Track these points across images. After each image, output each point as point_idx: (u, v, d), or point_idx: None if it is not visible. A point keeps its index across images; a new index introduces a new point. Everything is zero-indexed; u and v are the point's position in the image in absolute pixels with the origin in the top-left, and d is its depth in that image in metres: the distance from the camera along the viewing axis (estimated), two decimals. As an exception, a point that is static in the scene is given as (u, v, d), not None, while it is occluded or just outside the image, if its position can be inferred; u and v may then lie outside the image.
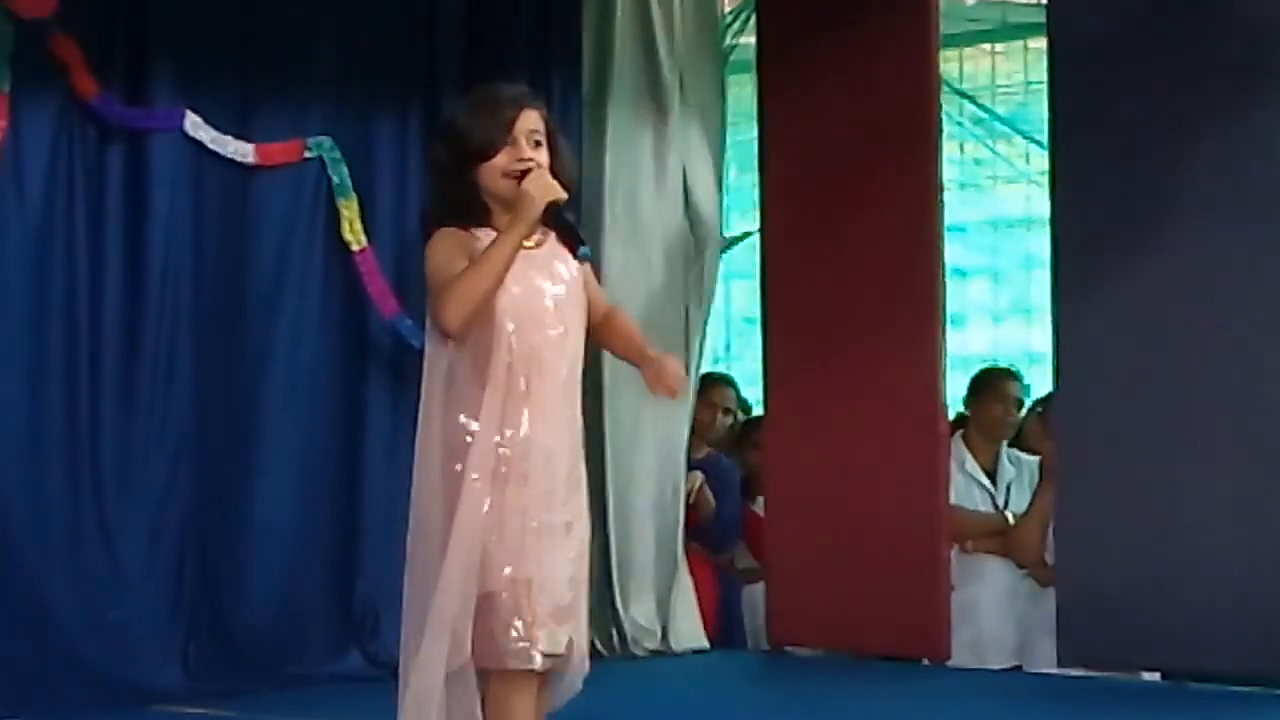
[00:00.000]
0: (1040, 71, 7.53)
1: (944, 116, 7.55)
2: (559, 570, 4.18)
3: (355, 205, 6.95)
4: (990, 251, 11.60)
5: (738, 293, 10.75)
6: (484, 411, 4.15)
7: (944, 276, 7.25)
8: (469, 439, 4.15)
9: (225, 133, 6.68)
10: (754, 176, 7.93)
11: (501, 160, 4.23)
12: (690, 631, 7.54)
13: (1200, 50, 6.59)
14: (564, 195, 4.25)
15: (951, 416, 7.59)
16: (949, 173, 7.84)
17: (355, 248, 6.95)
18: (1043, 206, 7.22)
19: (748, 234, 8.42)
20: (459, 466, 4.14)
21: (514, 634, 4.11)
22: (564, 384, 4.26)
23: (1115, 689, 6.86)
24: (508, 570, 4.11)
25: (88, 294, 6.44)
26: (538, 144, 4.28)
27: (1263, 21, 6.50)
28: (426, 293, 4.29)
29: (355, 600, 6.94)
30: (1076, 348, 6.87)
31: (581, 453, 4.34)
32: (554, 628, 4.14)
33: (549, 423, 4.22)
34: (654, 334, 7.44)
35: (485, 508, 4.11)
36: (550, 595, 4.14)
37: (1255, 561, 6.41)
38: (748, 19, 8.26)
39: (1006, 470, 7.68)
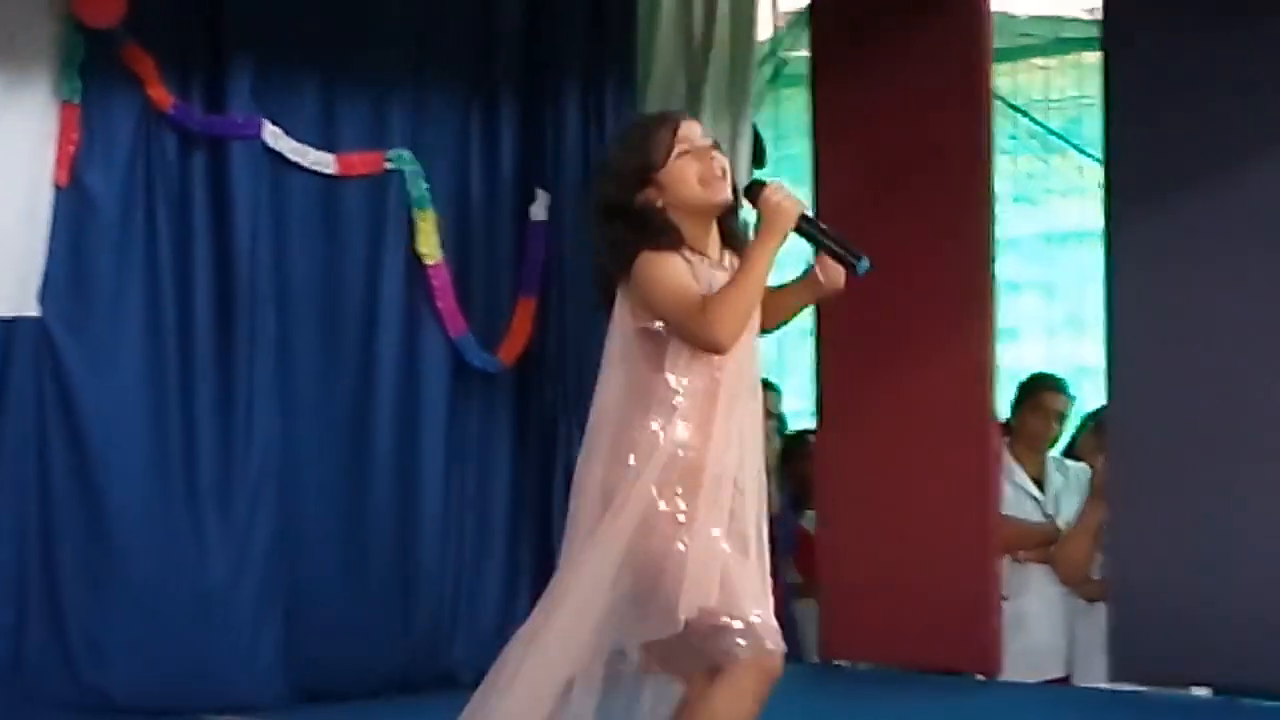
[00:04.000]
0: (1093, 86, 7.53)
1: (996, 130, 7.55)
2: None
3: (432, 219, 6.97)
4: (1043, 265, 11.56)
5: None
6: (690, 425, 4.13)
7: (996, 290, 7.25)
8: (675, 452, 4.12)
9: (303, 142, 6.72)
10: (807, 190, 7.94)
11: (693, 167, 4.19)
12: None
13: (1257, 63, 6.57)
14: (805, 206, 4.20)
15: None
16: (1001, 187, 7.83)
17: (430, 262, 6.98)
18: (1096, 220, 7.21)
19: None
20: (650, 477, 4.10)
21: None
22: (752, 390, 4.25)
23: (1167, 704, 6.83)
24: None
25: (174, 306, 6.47)
26: (715, 146, 4.25)
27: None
28: (639, 312, 4.21)
29: (411, 612, 6.98)
30: (1130, 362, 6.85)
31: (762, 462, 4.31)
32: None
33: (742, 433, 4.20)
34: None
35: (680, 519, 4.09)
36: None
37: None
38: (800, 33, 8.27)
39: (1054, 479, 7.67)
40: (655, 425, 4.13)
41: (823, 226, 4.26)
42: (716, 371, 4.17)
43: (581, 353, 7.19)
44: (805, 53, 8.01)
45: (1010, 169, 10.55)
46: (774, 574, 7.93)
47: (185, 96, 6.48)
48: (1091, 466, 7.51)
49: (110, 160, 6.38)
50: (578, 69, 7.29)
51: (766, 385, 8.47)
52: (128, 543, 6.33)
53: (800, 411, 9.04)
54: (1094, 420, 7.79)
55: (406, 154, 6.94)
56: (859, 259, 4.26)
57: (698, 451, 4.13)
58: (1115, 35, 7.03)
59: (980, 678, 7.23)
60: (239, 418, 6.55)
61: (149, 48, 6.39)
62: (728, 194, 4.23)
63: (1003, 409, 7.56)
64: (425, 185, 6.95)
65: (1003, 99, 9.32)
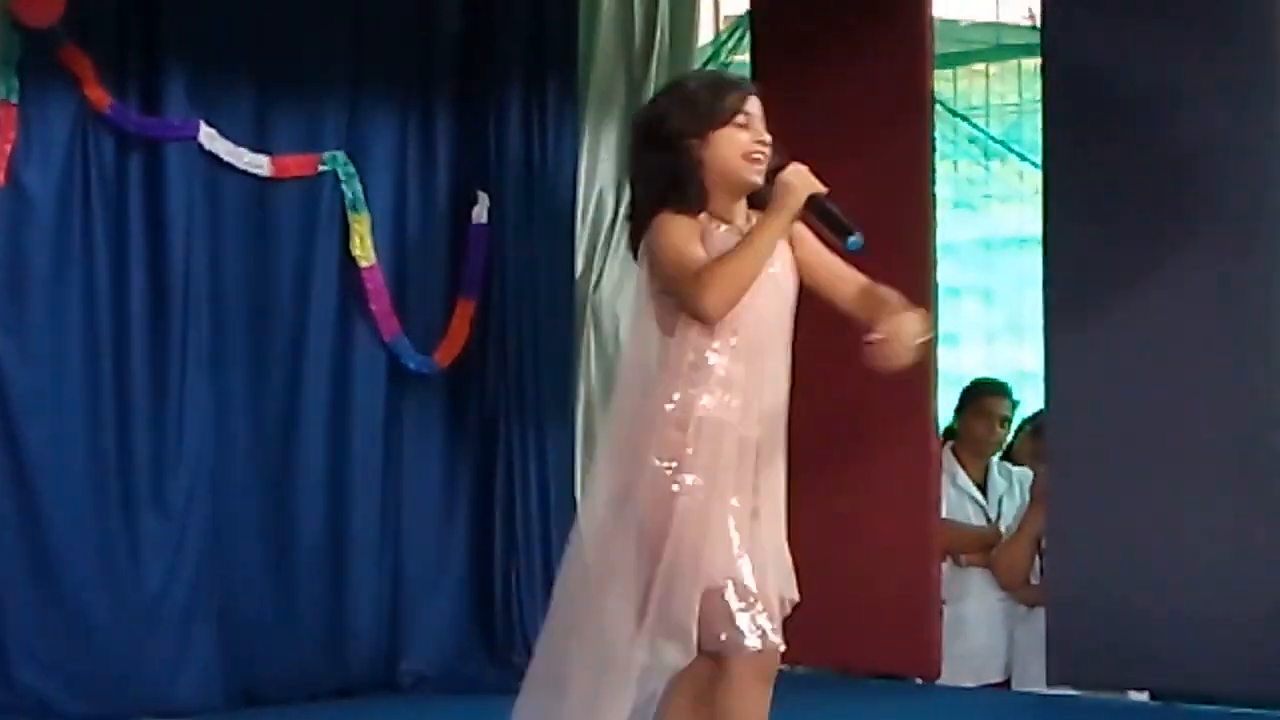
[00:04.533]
0: (1033, 91, 7.55)
1: (937, 136, 7.57)
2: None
3: (367, 221, 6.95)
4: (983, 270, 11.60)
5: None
6: (707, 393, 4.07)
7: (936, 295, 7.26)
8: (687, 425, 4.05)
9: (239, 145, 6.70)
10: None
11: (743, 137, 4.14)
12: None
13: (1194, 71, 6.60)
14: (824, 188, 4.16)
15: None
16: (942, 192, 7.85)
17: (364, 264, 6.96)
18: (1035, 226, 7.24)
19: None
20: (667, 455, 4.04)
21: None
22: (777, 369, 4.21)
23: (1104, 709, 6.86)
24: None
25: (109, 307, 6.43)
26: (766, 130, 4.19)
27: (1259, 41, 6.52)
28: (652, 274, 4.10)
29: (347, 615, 6.95)
30: (1067, 367, 6.87)
31: (784, 439, 4.26)
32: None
33: (764, 408, 4.16)
34: (614, 350, 7.54)
35: (700, 496, 4.03)
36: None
37: (1244, 582, 6.42)
38: (742, 37, 8.29)
39: (998, 483, 7.69)
40: (672, 393, 4.06)
41: (830, 208, 4.21)
42: (732, 338, 4.09)
43: (522, 354, 7.20)
44: (746, 57, 8.01)
45: (951, 174, 10.59)
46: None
47: (122, 97, 6.45)
48: (1030, 470, 7.54)
49: (47, 160, 6.34)
50: (518, 72, 7.28)
51: None
52: (62, 544, 6.29)
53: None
54: (1031, 425, 7.82)
55: (341, 156, 6.92)
56: (850, 234, 4.23)
57: (716, 419, 4.07)
58: (1054, 42, 7.05)
59: (919, 681, 7.25)
60: (173, 419, 6.51)
61: (86, 48, 6.35)
62: (761, 178, 4.17)
63: (943, 414, 7.57)
64: (360, 188, 6.93)
65: (943, 104, 9.34)
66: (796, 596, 4.27)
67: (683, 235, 4.06)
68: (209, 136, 6.60)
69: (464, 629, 7.20)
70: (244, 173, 6.72)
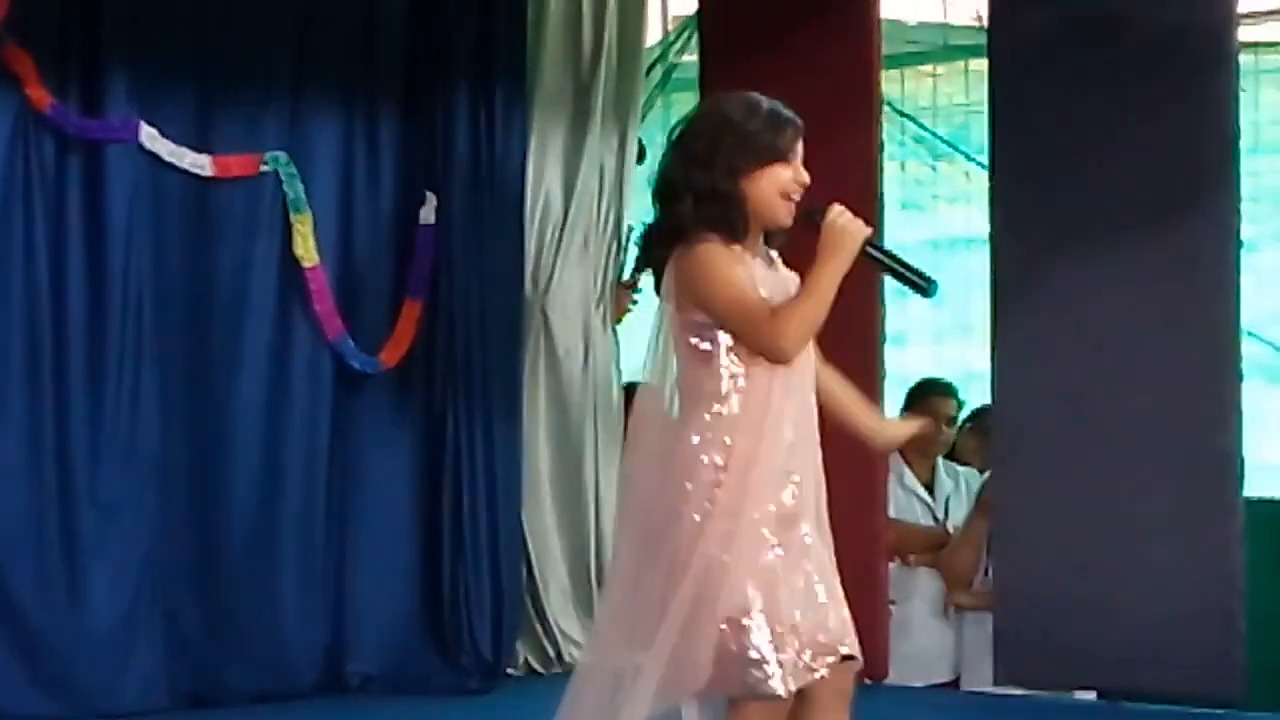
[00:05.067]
0: (980, 93, 7.57)
1: (885, 136, 7.58)
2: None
3: (309, 221, 6.92)
4: (930, 271, 11.61)
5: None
6: (741, 420, 4.01)
7: (883, 295, 7.27)
8: (724, 450, 3.98)
9: (181, 144, 6.66)
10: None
11: (785, 175, 4.12)
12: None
13: (1142, 74, 6.64)
14: (869, 230, 4.15)
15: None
16: (889, 192, 7.87)
17: (306, 264, 6.93)
18: (983, 226, 7.26)
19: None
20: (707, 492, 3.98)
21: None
22: (810, 398, 4.15)
23: (1053, 708, 6.88)
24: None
25: (49, 307, 6.39)
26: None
27: (1206, 46, 6.56)
28: (692, 303, 4.04)
29: (293, 615, 6.92)
30: (1014, 367, 6.90)
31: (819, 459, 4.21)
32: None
33: (805, 443, 4.11)
34: (576, 339, 7.54)
35: (729, 525, 3.96)
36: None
37: (1190, 582, 6.45)
38: (690, 37, 8.29)
39: (945, 483, 7.71)
40: (705, 423, 4.01)
41: (889, 252, 4.23)
42: (768, 368, 4.05)
43: (470, 355, 7.18)
44: (694, 57, 8.01)
45: (898, 175, 10.60)
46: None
47: (63, 97, 6.40)
48: (973, 467, 7.57)
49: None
50: (466, 72, 7.26)
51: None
52: (3, 544, 6.24)
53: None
54: (972, 422, 7.84)
55: (283, 156, 6.89)
56: (930, 282, 4.26)
57: (749, 449, 4.01)
58: (1001, 43, 7.07)
59: (867, 681, 7.25)
60: (114, 419, 6.47)
61: (28, 47, 6.31)
62: (790, 220, 4.16)
63: (890, 413, 7.57)
64: (301, 188, 6.90)
65: (891, 105, 9.36)
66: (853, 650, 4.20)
67: (736, 270, 4.03)
68: (150, 137, 6.57)
69: (411, 629, 7.18)
70: (185, 173, 6.68)
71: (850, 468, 7.10)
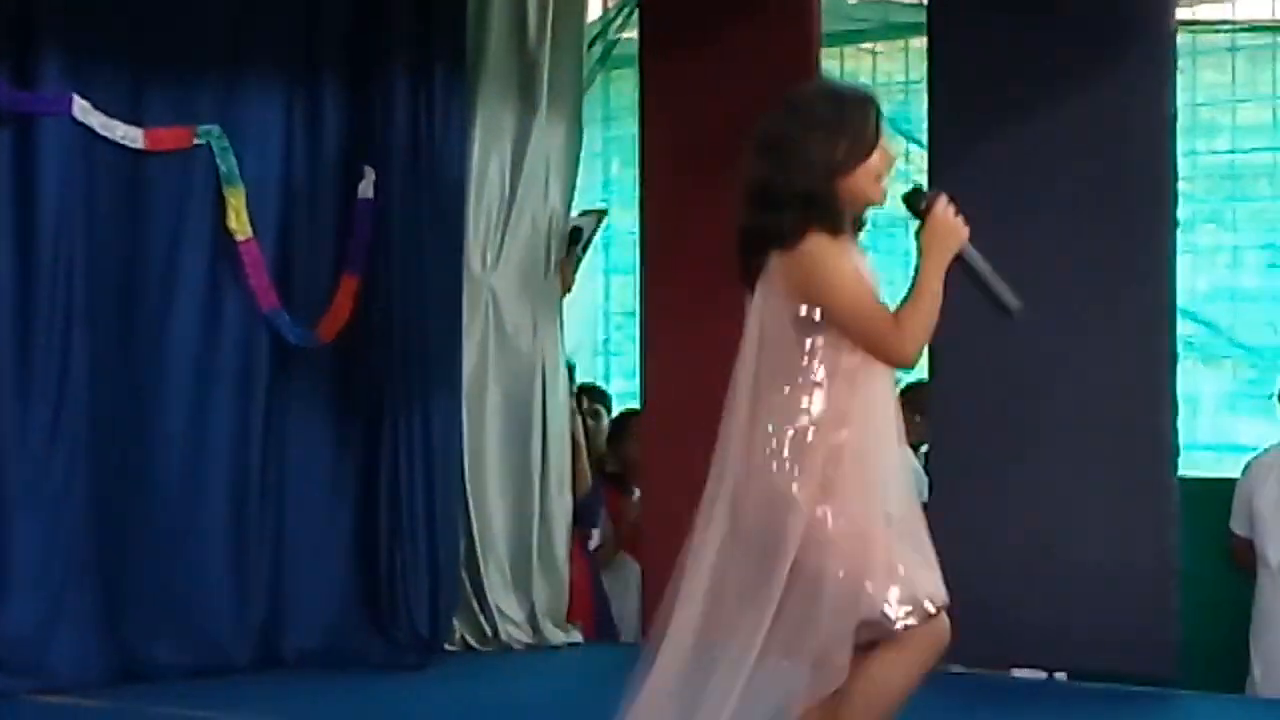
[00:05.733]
0: (920, 71, 7.58)
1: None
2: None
3: (242, 195, 6.89)
4: (870, 249, 11.66)
5: (616, 287, 10.75)
6: (841, 412, 4.03)
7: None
8: (825, 439, 4.02)
9: (114, 118, 6.62)
10: (635, 171, 7.92)
11: (878, 160, 4.10)
12: (561, 623, 7.61)
13: (1082, 55, 6.66)
14: (967, 231, 4.19)
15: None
16: (829, 170, 7.86)
17: (240, 238, 6.89)
18: (921, 206, 7.26)
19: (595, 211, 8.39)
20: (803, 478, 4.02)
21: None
22: (890, 373, 4.18)
23: (990, 685, 6.91)
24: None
25: None
26: None
27: (1147, 25, 6.59)
28: (800, 297, 4.06)
29: (229, 589, 6.90)
30: (949, 348, 6.90)
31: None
32: None
33: (887, 416, 4.14)
34: (524, 316, 7.52)
35: (849, 526, 4.01)
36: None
37: (1123, 560, 6.49)
38: (630, 13, 8.27)
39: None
40: (803, 412, 4.03)
41: (983, 261, 4.27)
42: (868, 363, 4.07)
43: (409, 330, 7.16)
44: (635, 34, 7.99)
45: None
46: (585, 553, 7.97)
47: (-7, 68, 6.37)
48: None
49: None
50: (406, 45, 7.23)
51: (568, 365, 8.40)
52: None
53: (627, 393, 9.04)
54: (902, 396, 7.85)
55: (216, 129, 6.86)
56: (1015, 306, 4.31)
57: (850, 438, 4.04)
58: (941, 21, 7.08)
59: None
60: (44, 392, 6.44)
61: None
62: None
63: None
64: (234, 161, 6.87)
65: (831, 83, 9.35)
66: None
67: (848, 268, 4.07)
68: (83, 110, 6.53)
69: (348, 603, 7.17)
70: (118, 145, 6.64)
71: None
